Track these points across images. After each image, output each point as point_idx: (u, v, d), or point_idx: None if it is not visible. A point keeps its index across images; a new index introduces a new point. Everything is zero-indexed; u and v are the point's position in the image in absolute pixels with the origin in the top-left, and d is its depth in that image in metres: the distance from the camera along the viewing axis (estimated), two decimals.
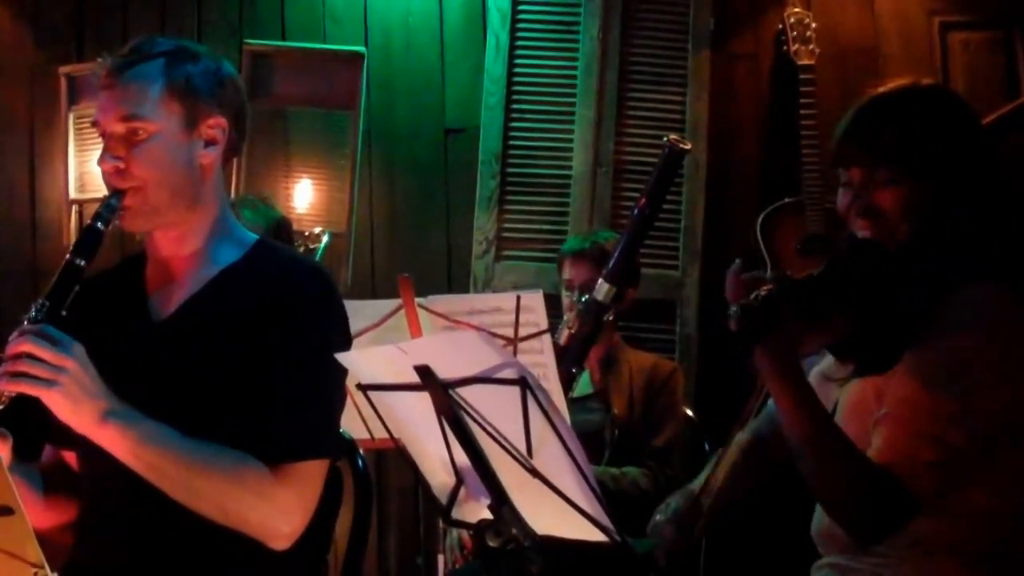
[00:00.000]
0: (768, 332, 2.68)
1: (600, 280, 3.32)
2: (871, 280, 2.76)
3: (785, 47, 6.23)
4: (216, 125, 2.97)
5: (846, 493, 2.76)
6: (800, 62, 6.15)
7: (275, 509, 2.78)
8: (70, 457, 3.05)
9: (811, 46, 6.17)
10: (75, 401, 2.69)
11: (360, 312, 3.38)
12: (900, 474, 2.68)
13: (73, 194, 6.32)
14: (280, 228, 5.09)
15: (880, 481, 2.70)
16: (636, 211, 3.33)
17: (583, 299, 3.34)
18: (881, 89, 2.99)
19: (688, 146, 3.18)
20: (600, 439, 4.91)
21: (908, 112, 2.91)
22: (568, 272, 5.08)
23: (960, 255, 2.83)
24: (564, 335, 3.34)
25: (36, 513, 2.95)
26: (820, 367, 3.07)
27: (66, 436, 2.85)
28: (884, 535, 2.76)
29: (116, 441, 2.74)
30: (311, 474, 2.83)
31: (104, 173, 2.92)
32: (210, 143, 2.97)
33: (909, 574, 2.80)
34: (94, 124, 2.96)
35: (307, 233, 5.85)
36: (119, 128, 2.89)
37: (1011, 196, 3.00)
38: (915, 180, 2.83)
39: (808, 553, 3.07)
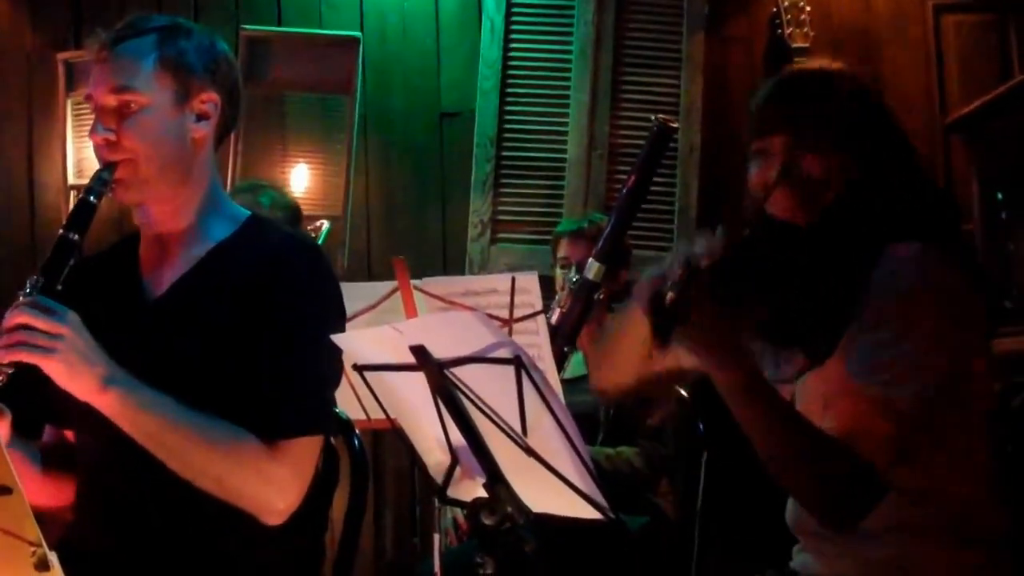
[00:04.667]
0: (681, 316, 2.65)
1: (591, 259, 3.34)
2: (790, 254, 2.78)
3: (779, 30, 6.24)
4: (208, 100, 2.98)
5: (810, 477, 2.72)
6: (794, 45, 6.16)
7: (270, 485, 2.79)
8: (71, 435, 3.06)
9: (805, 29, 6.18)
10: (73, 368, 2.70)
11: (356, 294, 3.41)
12: (856, 448, 2.66)
13: (71, 179, 6.35)
14: (297, 217, 5.15)
15: (838, 454, 2.66)
16: (625, 190, 3.34)
17: (573, 279, 3.34)
18: (796, 66, 3.12)
19: (676, 125, 3.20)
20: (594, 419, 4.94)
21: (828, 84, 2.95)
22: (565, 251, 5.14)
23: (882, 217, 2.84)
24: (555, 314, 3.35)
25: (34, 490, 2.95)
26: (766, 373, 3.07)
27: (65, 414, 2.87)
28: (855, 517, 2.73)
29: (116, 407, 2.75)
30: (306, 450, 2.84)
31: (96, 146, 2.93)
32: (202, 118, 2.98)
33: (877, 553, 2.81)
34: (87, 98, 2.97)
35: (310, 226, 5.88)
36: (111, 100, 2.91)
37: (918, 163, 3.01)
38: (838, 147, 2.86)
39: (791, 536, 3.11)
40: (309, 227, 5.78)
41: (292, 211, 5.13)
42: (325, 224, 5.88)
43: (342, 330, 2.91)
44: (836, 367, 2.79)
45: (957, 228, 2.98)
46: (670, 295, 2.63)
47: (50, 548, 2.33)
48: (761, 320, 2.85)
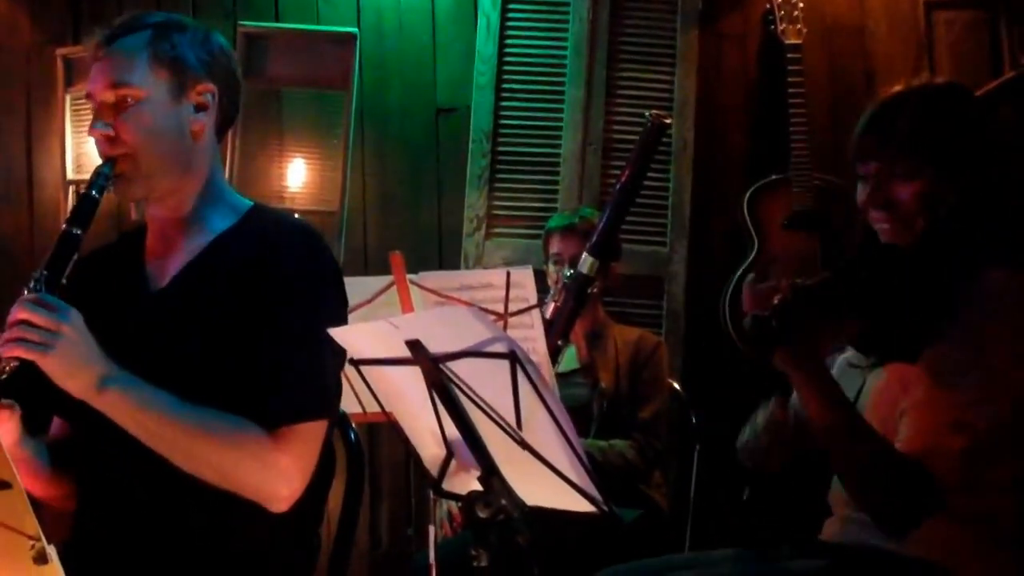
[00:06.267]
0: (785, 339, 2.75)
1: (584, 254, 3.36)
2: (886, 278, 2.82)
3: (773, 26, 6.25)
4: (205, 91, 3.02)
5: (874, 484, 2.80)
6: (787, 41, 6.17)
7: (273, 472, 2.81)
8: (79, 429, 3.06)
9: (798, 25, 6.19)
10: (71, 365, 2.73)
11: (353, 288, 3.42)
12: (928, 463, 2.73)
13: (70, 174, 6.34)
14: None
15: (908, 471, 2.73)
16: (619, 185, 3.37)
17: (568, 273, 3.37)
18: (897, 88, 3.06)
19: (669, 120, 3.22)
20: (587, 412, 4.96)
21: (924, 108, 2.98)
22: (557, 247, 5.15)
23: (976, 243, 2.89)
24: (550, 308, 3.37)
25: (45, 485, 2.99)
26: (846, 355, 3.12)
27: (73, 408, 2.86)
28: (913, 525, 2.80)
29: (114, 406, 2.77)
30: (308, 436, 2.86)
31: (96, 142, 2.97)
32: (200, 109, 3.02)
33: (925, 532, 2.83)
34: (88, 96, 3.01)
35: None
36: (109, 96, 2.95)
37: (1018, 182, 3.06)
38: (931, 172, 2.90)
39: (819, 510, 3.16)
40: None
41: None
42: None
43: (343, 314, 2.96)
44: (916, 373, 2.83)
45: None
46: (775, 321, 2.73)
47: (58, 546, 2.34)
48: (852, 334, 2.93)
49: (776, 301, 2.76)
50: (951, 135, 2.94)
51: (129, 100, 2.94)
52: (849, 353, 3.11)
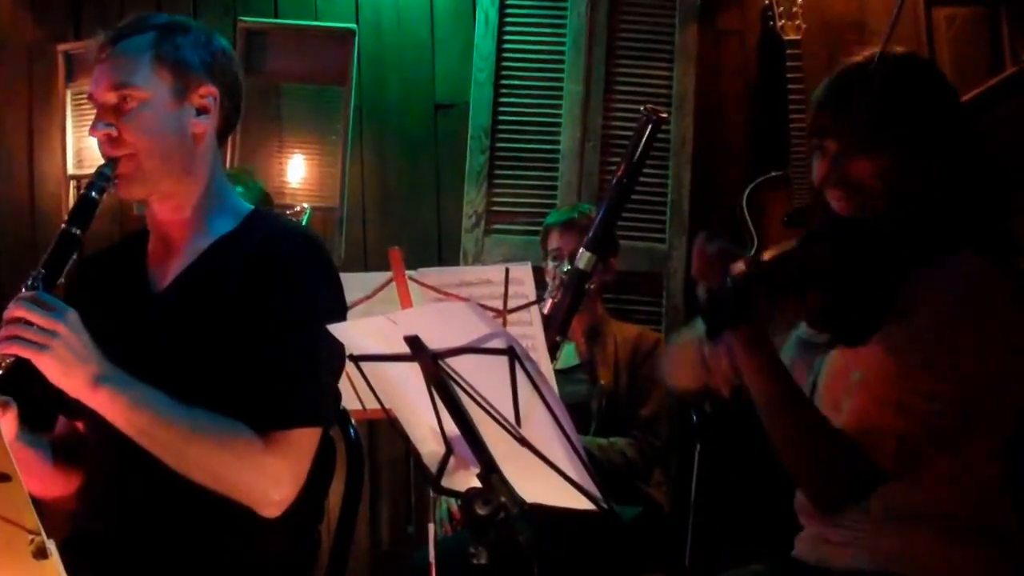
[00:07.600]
0: (739, 319, 2.74)
1: (581, 249, 3.36)
2: (845, 255, 2.74)
3: (772, 22, 6.25)
4: (207, 94, 3.02)
5: (809, 461, 2.77)
6: (786, 37, 6.16)
7: (265, 476, 2.82)
8: (81, 426, 3.08)
9: (797, 21, 6.19)
10: (66, 365, 2.73)
11: (352, 284, 3.43)
12: (864, 442, 2.69)
13: (71, 169, 6.37)
14: (266, 201, 5.23)
15: (843, 450, 2.70)
16: (615, 180, 3.37)
17: (565, 268, 3.37)
18: (855, 58, 2.94)
19: (665, 115, 3.20)
20: (587, 410, 4.96)
21: (882, 81, 2.84)
22: (556, 242, 5.16)
23: (938, 226, 2.80)
24: (547, 304, 3.38)
25: (45, 483, 3.00)
26: (799, 332, 3.09)
27: (75, 406, 2.88)
28: (844, 503, 2.78)
29: (108, 405, 2.78)
30: (302, 442, 2.87)
31: (98, 142, 2.97)
32: (202, 112, 3.02)
33: (885, 543, 2.82)
34: (89, 97, 3.02)
35: (291, 210, 5.92)
36: (111, 97, 2.96)
37: (993, 163, 2.94)
38: (889, 150, 2.81)
39: (793, 525, 3.13)
40: (288, 212, 5.82)
41: (263, 196, 5.21)
42: (306, 208, 5.94)
43: (341, 320, 2.94)
44: (868, 354, 2.78)
45: (1010, 237, 2.90)
46: (732, 302, 2.73)
47: (57, 542, 2.34)
48: (805, 308, 2.88)
49: (734, 277, 2.73)
50: (914, 110, 2.84)
51: (131, 101, 2.95)
52: (801, 329, 3.07)
